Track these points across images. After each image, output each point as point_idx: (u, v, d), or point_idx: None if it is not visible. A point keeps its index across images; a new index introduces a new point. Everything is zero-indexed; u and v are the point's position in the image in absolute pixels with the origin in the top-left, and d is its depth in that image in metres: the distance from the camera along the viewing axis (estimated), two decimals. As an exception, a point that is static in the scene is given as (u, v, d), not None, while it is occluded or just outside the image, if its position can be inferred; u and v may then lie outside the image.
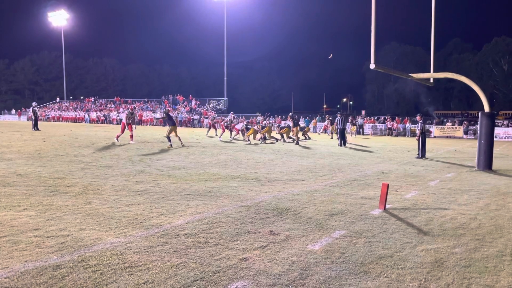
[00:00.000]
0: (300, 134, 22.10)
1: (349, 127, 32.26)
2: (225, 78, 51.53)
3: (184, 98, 53.29)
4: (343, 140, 19.35)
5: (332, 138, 26.42)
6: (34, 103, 27.79)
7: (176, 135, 16.15)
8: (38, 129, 25.57)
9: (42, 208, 5.53)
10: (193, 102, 51.44)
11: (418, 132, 14.39)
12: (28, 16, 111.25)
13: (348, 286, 3.32)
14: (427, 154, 16.34)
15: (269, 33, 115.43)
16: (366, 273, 3.60)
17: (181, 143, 16.27)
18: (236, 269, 3.61)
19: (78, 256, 3.77)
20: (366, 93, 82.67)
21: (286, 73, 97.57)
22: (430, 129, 34.65)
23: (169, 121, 16.43)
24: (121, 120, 43.30)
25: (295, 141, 20.19)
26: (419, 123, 14.33)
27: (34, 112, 26.21)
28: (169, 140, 15.76)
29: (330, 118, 30.87)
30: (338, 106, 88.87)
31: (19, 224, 4.78)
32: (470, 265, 3.89)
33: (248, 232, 4.75)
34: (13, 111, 66.78)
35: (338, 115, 20.67)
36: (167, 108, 19.56)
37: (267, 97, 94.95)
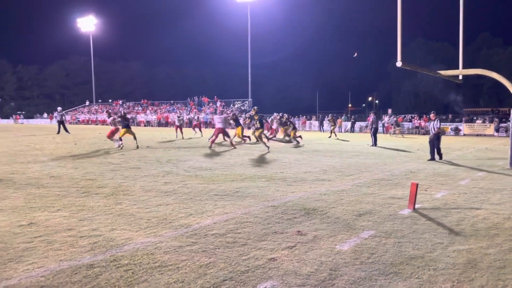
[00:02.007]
0: (292, 134, 20.96)
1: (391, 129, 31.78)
2: (249, 79, 51.69)
3: (209, 100, 53.77)
4: (375, 140, 18.96)
5: (330, 137, 25.33)
6: (59, 108, 28.29)
7: (120, 136, 15.42)
8: (68, 132, 26.16)
9: (74, 209, 5.70)
10: (218, 103, 51.83)
11: (434, 131, 12.67)
12: (58, 22, 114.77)
13: (378, 287, 3.28)
14: (456, 153, 15.91)
15: (293, 32, 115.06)
16: (396, 274, 3.55)
17: (120, 146, 15.27)
18: (265, 269, 3.63)
19: (110, 256, 3.87)
20: (392, 92, 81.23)
21: (310, 73, 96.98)
22: (460, 127, 33.75)
23: (123, 123, 15.69)
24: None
25: (290, 140, 20.32)
26: (435, 122, 12.70)
27: (60, 117, 26.97)
28: (120, 140, 15.29)
29: (329, 117, 29.62)
30: (364, 105, 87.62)
31: (53, 224, 4.94)
32: (505, 266, 3.78)
33: (276, 232, 4.76)
34: (45, 115, 69.04)
35: (372, 115, 20.35)
36: (123, 111, 19.78)
37: (291, 97, 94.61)
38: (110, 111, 23.21)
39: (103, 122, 55.64)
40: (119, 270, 3.53)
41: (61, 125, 26.42)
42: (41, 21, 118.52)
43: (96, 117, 58.78)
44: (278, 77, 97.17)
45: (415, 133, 33.70)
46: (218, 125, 16.18)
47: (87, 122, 59.23)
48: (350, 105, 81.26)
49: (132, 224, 4.98)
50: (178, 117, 24.41)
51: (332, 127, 26.60)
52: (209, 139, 17.10)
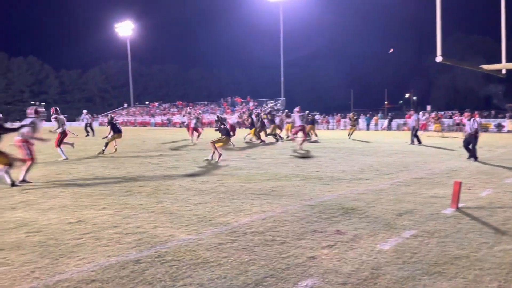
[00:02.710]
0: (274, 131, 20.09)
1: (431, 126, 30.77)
2: (281, 78, 51.61)
3: (242, 100, 54.11)
4: (416, 139, 18.44)
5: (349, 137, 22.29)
6: (84, 111, 27.58)
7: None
8: (93, 135, 24.96)
9: (119, 207, 5.93)
10: (251, 103, 52.08)
11: (470, 131, 11.58)
12: (97, 28, 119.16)
13: (422, 287, 3.23)
14: (500, 150, 15.26)
15: (326, 30, 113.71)
16: (441, 274, 3.48)
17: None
18: (305, 267, 3.64)
19: (154, 252, 4.00)
20: (430, 88, 78.79)
21: (344, 70, 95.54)
22: (503, 123, 32.34)
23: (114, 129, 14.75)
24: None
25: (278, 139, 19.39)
26: (471, 122, 11.64)
27: (88, 119, 26.24)
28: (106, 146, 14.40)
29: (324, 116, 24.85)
30: (401, 102, 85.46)
31: (100, 221, 5.16)
32: (558, 268, 3.62)
33: (314, 231, 4.76)
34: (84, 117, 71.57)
35: (413, 112, 19.86)
36: (110, 115, 18.87)
37: (325, 95, 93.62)
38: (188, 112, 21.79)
39: (142, 124, 57.21)
40: (164, 265, 3.66)
41: (88, 128, 25.55)
42: (82, 28, 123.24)
43: (135, 119, 60.43)
44: (311, 75, 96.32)
45: (456, 130, 32.56)
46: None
47: (125, 124, 60.99)
48: (386, 102, 79.46)
49: (173, 221, 5.13)
50: (197, 118, 20.29)
51: (350, 127, 22.93)
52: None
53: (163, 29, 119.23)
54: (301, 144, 15.35)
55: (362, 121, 39.25)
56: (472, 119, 11.81)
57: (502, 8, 12.25)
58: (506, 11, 12.40)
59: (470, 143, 11.72)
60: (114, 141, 14.50)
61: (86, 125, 25.87)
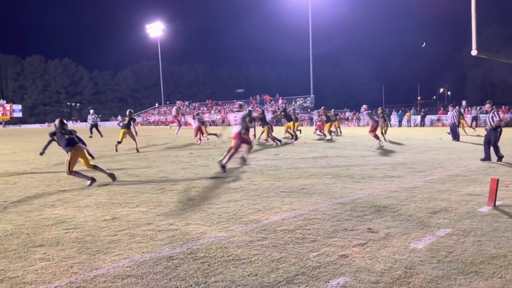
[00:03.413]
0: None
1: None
2: (311, 75, 51.24)
3: (271, 98, 54.11)
4: (453, 134, 18.01)
5: (325, 136, 20.51)
6: (91, 110, 26.08)
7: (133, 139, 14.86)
8: (101, 136, 23.97)
9: (151, 205, 6.07)
10: (280, 101, 51.98)
11: (491, 125, 10.37)
12: (128, 29, 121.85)
13: (458, 286, 3.15)
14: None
15: (355, 25, 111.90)
16: (477, 273, 3.38)
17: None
18: (336, 265, 3.62)
19: (187, 249, 4.08)
20: (465, 82, 76.24)
21: (374, 66, 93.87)
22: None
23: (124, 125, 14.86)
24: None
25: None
26: (490, 114, 10.43)
27: (93, 120, 24.76)
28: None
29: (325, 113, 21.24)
30: (434, 97, 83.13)
31: (134, 219, 5.30)
32: None
33: (345, 229, 4.72)
34: (119, 117, 73.55)
35: (451, 108, 19.26)
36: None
37: (355, 92, 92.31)
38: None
39: (172, 123, 58.14)
40: (196, 262, 3.72)
41: (93, 129, 24.27)
42: (113, 30, 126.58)
43: (166, 118, 61.51)
44: (341, 72, 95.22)
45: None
46: (235, 128, 9.87)
47: (156, 123, 62.20)
48: (419, 97, 77.47)
49: (205, 219, 5.20)
50: (199, 118, 19.05)
51: (382, 126, 19.09)
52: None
53: (192, 28, 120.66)
54: (379, 141, 15.32)
55: (393, 117, 38.45)
56: (492, 111, 10.54)
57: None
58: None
59: (490, 140, 10.45)
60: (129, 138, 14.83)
61: (91, 126, 24.54)
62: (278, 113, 19.73)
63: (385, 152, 13.17)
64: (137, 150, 14.56)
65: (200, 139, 18.25)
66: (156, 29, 68.98)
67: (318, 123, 21.88)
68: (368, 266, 3.59)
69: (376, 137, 15.49)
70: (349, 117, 43.37)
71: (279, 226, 4.84)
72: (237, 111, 10.38)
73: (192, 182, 8.03)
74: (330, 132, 20.69)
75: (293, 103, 51.32)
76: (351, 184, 7.55)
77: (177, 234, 4.57)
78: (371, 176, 8.41)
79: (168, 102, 76.65)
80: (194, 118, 19.59)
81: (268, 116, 20.33)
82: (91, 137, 23.44)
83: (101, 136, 24.29)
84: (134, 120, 15.12)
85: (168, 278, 3.39)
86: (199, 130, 18.32)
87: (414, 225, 4.83)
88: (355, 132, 25.31)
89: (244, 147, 9.80)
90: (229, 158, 9.41)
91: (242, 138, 9.53)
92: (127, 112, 15.26)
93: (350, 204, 5.95)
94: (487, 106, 10.95)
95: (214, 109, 58.56)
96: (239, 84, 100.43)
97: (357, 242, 4.24)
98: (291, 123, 19.44)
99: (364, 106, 17.00)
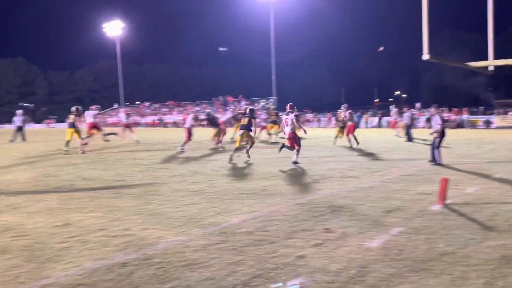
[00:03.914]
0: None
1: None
2: (273, 77, 51.64)
3: (234, 99, 54.05)
4: (408, 135, 18.71)
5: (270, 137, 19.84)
6: (18, 111, 22.48)
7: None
8: (23, 139, 21.41)
9: (107, 210, 5.88)
10: (243, 102, 52.03)
11: (436, 129, 10.35)
12: (85, 28, 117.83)
13: (408, 284, 3.25)
14: (488, 146, 15.41)
15: (316, 28, 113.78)
16: (427, 271, 3.50)
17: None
18: (294, 266, 3.65)
19: (142, 254, 3.98)
20: (420, 85, 79.32)
21: (335, 69, 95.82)
22: (491, 120, 32.71)
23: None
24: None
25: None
26: (435, 117, 10.47)
27: (21, 122, 22.07)
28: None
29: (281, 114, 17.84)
30: (391, 99, 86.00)
31: (87, 224, 5.11)
32: (542, 263, 3.66)
33: (304, 230, 4.77)
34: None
35: (406, 110, 20.04)
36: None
37: (316, 94, 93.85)
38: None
39: (133, 124, 56.85)
40: (151, 268, 3.63)
41: (19, 132, 21.51)
42: (70, 28, 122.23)
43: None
44: (302, 74, 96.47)
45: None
46: (288, 128, 11.50)
47: (115, 124, 60.60)
48: (376, 100, 79.94)
49: (162, 223, 5.10)
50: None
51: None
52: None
53: (154, 28, 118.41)
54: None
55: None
56: (436, 114, 10.51)
57: (489, 5, 12.36)
58: (494, 8, 12.53)
59: (434, 143, 10.39)
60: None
61: (17, 128, 21.71)
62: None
63: (343, 153, 13.46)
64: (103, 142, 14.28)
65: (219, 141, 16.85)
66: (114, 28, 67.19)
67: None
68: (324, 266, 3.64)
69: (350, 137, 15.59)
70: (310, 119, 44.05)
71: (239, 229, 4.82)
72: (290, 112, 11.41)
73: (150, 185, 7.86)
74: (270, 134, 20.02)
75: (255, 104, 51.49)
76: (310, 185, 7.65)
77: (132, 240, 4.44)
78: (330, 177, 8.56)
79: (128, 103, 74.88)
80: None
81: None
82: (12, 141, 20.96)
83: (24, 139, 21.39)
84: (80, 115, 14.77)
85: (121, 286, 3.29)
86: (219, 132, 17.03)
87: (369, 224, 4.95)
88: (316, 133, 25.73)
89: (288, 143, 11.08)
90: (298, 154, 10.87)
91: (291, 137, 10.98)
92: (73, 109, 15.03)
93: (309, 204, 6.03)
94: (432, 110, 10.85)
95: (176, 110, 57.74)
96: (201, 85, 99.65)
97: (315, 243, 4.29)
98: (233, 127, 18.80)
99: (345, 105, 16.95)
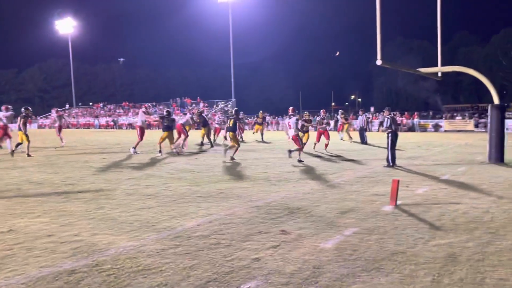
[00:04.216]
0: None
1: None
2: (232, 79, 51.63)
3: (192, 101, 53.48)
4: (362, 138, 19.36)
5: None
6: None
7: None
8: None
9: (55, 214, 5.60)
10: (201, 104, 51.61)
11: (383, 129, 11.14)
12: (35, 25, 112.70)
13: (361, 283, 3.32)
14: (437, 149, 16.18)
15: (275, 32, 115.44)
16: (378, 270, 3.59)
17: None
18: (249, 269, 3.63)
19: (92, 261, 3.81)
20: (374, 90, 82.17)
21: (292, 72, 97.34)
22: (440, 124, 34.38)
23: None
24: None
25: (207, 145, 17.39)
26: (386, 120, 10.91)
27: None
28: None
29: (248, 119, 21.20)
30: (347, 103, 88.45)
31: (33, 230, 4.84)
32: (484, 259, 3.86)
33: (260, 232, 4.76)
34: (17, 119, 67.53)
35: (361, 113, 20.71)
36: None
37: (275, 97, 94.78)
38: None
39: (85, 126, 54.85)
40: (101, 275, 3.49)
41: None
42: (17, 25, 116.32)
43: (77, 121, 57.86)
44: (261, 77, 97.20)
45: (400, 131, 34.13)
46: (291, 131, 12.46)
47: (67, 126, 58.22)
48: (333, 104, 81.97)
49: (114, 228, 4.92)
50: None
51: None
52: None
53: (108, 26, 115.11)
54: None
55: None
56: (387, 117, 10.86)
57: (438, 15, 13.01)
58: (442, 18, 13.20)
59: (392, 144, 10.75)
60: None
61: None
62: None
63: (301, 156, 13.62)
64: (28, 154, 13.38)
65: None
66: (66, 26, 64.61)
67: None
68: (279, 268, 3.65)
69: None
70: (269, 121, 44.35)
71: (194, 233, 4.74)
72: (292, 115, 12.67)
73: (102, 189, 7.59)
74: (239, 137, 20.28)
75: (214, 106, 51.24)
76: (267, 187, 7.68)
77: (81, 246, 4.25)
78: (287, 179, 8.64)
79: (80, 104, 72.19)
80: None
81: (216, 119, 20.60)
82: None
83: None
84: (26, 117, 13.59)
85: (69, 294, 3.13)
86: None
87: (324, 225, 5.03)
88: (274, 136, 25.96)
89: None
90: (300, 153, 12.10)
91: (295, 138, 11.95)
92: (22, 110, 13.72)
93: (266, 207, 6.04)
94: (385, 113, 11.13)
95: (132, 111, 56.30)
96: (158, 86, 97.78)
97: (270, 245, 4.29)
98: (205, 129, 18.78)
99: (323, 110, 17.01)
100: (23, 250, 4.13)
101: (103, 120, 53.91)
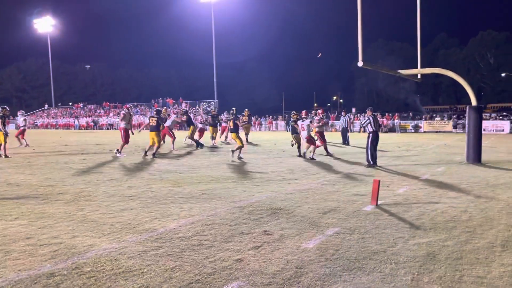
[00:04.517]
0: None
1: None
2: (215, 80, 51.46)
3: (174, 101, 53.08)
4: (345, 139, 19.53)
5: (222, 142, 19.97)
6: None
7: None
8: None
9: (34, 217, 5.49)
10: (183, 105, 51.27)
11: (365, 129, 11.39)
12: (13, 24, 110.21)
13: (342, 283, 3.35)
14: (417, 149, 16.46)
15: (258, 33, 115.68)
16: (360, 269, 3.64)
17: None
18: (231, 270, 3.62)
19: (72, 263, 3.75)
20: (355, 91, 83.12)
21: (275, 74, 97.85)
22: (420, 124, 34.98)
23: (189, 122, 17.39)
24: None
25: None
26: (367, 119, 11.26)
27: None
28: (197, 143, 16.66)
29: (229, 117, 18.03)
30: (328, 104, 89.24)
31: (11, 233, 4.73)
32: (462, 257, 3.95)
33: (242, 233, 4.76)
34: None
35: (344, 114, 20.96)
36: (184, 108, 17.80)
37: (258, 98, 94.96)
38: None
39: (65, 126, 53.89)
40: (81, 277, 3.43)
41: None
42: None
43: (56, 121, 56.80)
44: (244, 78, 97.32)
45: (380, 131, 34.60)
46: (304, 133, 13.07)
47: (46, 126, 57.11)
48: (315, 105, 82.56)
49: (94, 230, 4.85)
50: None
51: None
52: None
53: (89, 25, 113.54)
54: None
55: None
56: (368, 117, 11.24)
57: (418, 18, 13.23)
58: (422, 20, 13.43)
59: (373, 145, 11.00)
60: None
61: None
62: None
63: (283, 156, 13.69)
64: (5, 155, 13.11)
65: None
66: (45, 24, 63.38)
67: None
68: (262, 268, 3.65)
69: (318, 146, 14.06)
70: (252, 122, 44.41)
71: (176, 234, 4.71)
72: (305, 118, 13.53)
73: (83, 190, 7.47)
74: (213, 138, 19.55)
75: (197, 107, 50.97)
76: (250, 188, 7.68)
77: (61, 248, 4.17)
78: (269, 180, 8.66)
79: (59, 104, 70.88)
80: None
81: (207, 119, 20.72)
82: None
83: None
84: (4, 117, 13.24)
85: (47, 298, 3.07)
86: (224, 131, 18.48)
87: (306, 225, 5.06)
88: (258, 137, 25.99)
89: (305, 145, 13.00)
90: (314, 151, 12.87)
91: (309, 139, 12.72)
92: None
93: (248, 207, 6.04)
94: (368, 113, 11.47)
95: (113, 111, 55.57)
96: (140, 86, 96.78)
97: (253, 245, 4.29)
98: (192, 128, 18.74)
99: (322, 110, 16.86)
100: (1, 253, 4.04)
101: (83, 121, 53.03)
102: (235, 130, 13.22)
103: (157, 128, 13.25)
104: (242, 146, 12.91)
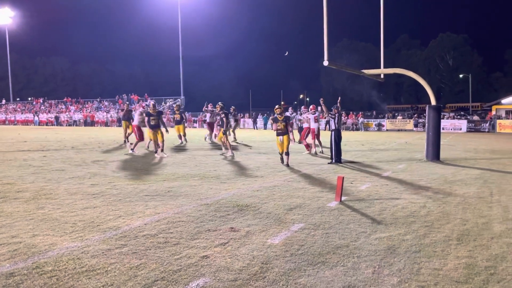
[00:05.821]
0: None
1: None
2: (181, 77, 50.89)
3: (139, 98, 52.07)
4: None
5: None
6: None
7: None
8: None
9: (-10, 216, 5.27)
10: (149, 101, 50.38)
11: (325, 116, 12.11)
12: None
13: (306, 277, 3.43)
14: (379, 147, 16.94)
15: (225, 31, 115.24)
16: (323, 263, 3.73)
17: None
18: (197, 267, 3.63)
19: (32, 263, 3.64)
20: (321, 90, 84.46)
21: (243, 71, 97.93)
22: (382, 123, 35.99)
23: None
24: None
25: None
26: (334, 116, 11.57)
27: None
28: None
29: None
30: (295, 102, 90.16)
31: (-34, 233, 4.53)
32: (420, 251, 4.12)
33: (209, 230, 4.77)
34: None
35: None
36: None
37: (225, 95, 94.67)
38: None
39: (24, 122, 51.79)
40: (42, 277, 3.34)
41: None
42: None
43: (14, 117, 54.49)
44: (211, 75, 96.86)
45: (342, 129, 35.34)
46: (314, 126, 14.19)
47: (3, 122, 54.67)
48: (282, 102, 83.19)
49: (56, 229, 4.72)
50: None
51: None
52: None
53: (49, 18, 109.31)
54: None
55: (259, 120, 40.71)
56: (334, 115, 11.57)
57: (381, 18, 13.58)
58: (385, 21, 13.78)
59: (336, 142, 11.36)
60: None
61: None
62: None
63: (250, 154, 13.75)
64: None
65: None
66: (3, 16, 60.57)
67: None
68: (228, 264, 3.68)
69: (307, 146, 14.15)
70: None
71: (141, 232, 4.65)
72: (313, 112, 14.34)
73: (43, 188, 7.23)
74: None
75: (162, 103, 50.24)
76: (217, 185, 7.68)
77: (20, 248, 4.04)
78: (236, 177, 8.69)
79: (18, 99, 67.96)
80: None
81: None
82: None
83: None
84: None
85: (6, 299, 2.97)
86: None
87: (272, 221, 5.13)
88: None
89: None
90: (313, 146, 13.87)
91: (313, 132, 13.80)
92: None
93: (215, 205, 6.05)
94: (334, 110, 11.64)
95: (75, 107, 53.87)
96: (103, 82, 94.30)
97: (219, 242, 4.31)
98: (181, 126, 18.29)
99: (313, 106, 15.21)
100: (-46, 255, 3.86)
101: (43, 117, 51.11)
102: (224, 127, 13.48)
103: (157, 127, 12.90)
104: (227, 141, 13.33)
